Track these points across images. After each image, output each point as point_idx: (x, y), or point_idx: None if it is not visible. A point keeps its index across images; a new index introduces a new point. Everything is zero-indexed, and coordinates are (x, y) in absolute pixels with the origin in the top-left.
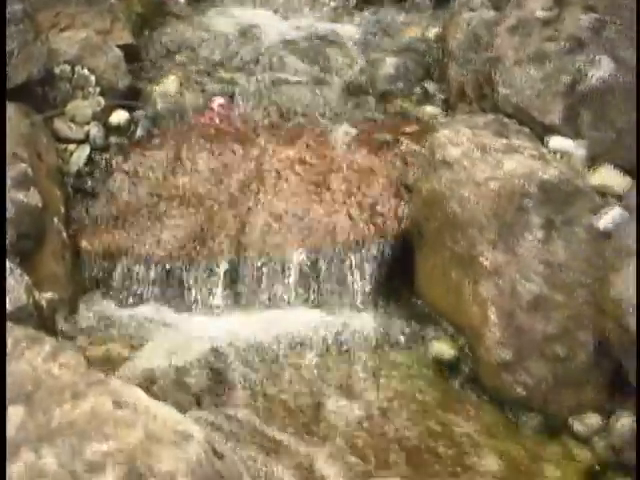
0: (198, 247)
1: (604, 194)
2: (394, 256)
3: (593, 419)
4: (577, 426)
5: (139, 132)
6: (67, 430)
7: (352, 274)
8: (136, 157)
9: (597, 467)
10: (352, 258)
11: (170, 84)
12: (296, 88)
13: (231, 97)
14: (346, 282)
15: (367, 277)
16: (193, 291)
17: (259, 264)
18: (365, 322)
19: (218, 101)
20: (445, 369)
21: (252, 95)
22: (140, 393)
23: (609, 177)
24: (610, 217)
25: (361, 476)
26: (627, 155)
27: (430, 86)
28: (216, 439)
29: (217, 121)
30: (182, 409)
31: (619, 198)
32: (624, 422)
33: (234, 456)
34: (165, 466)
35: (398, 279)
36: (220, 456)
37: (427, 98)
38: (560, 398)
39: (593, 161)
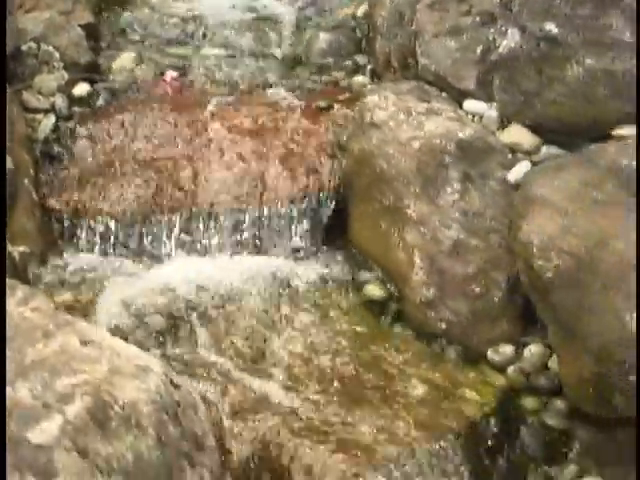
0: (155, 203)
1: (513, 150)
2: (331, 208)
3: (507, 349)
4: (493, 355)
5: (100, 102)
6: (39, 366)
7: (293, 224)
8: (97, 124)
9: (510, 390)
10: (293, 210)
11: (126, 60)
12: (240, 62)
13: (182, 70)
14: (288, 232)
15: (307, 227)
16: (151, 243)
17: (210, 217)
18: (305, 268)
19: (170, 74)
20: (376, 308)
21: (200, 68)
22: (104, 333)
23: (518, 135)
24: (519, 171)
25: (303, 400)
26: (533, 115)
27: (360, 59)
28: (173, 372)
29: (169, 91)
30: (143, 347)
31: (527, 154)
32: (533, 351)
33: (189, 387)
34: (127, 396)
35: (335, 229)
36: (177, 386)
37: (357, 69)
38: (478, 331)
39: (504, 121)
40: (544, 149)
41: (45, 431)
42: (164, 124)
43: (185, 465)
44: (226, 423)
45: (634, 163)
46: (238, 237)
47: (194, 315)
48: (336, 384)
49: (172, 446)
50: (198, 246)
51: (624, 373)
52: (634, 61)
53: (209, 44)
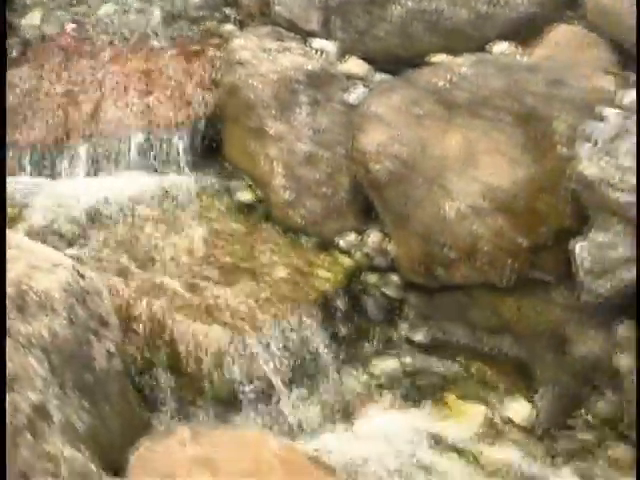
0: (63, 133)
1: (351, 78)
2: (208, 132)
3: (352, 237)
4: (341, 242)
5: (14, 54)
6: None
7: (177, 147)
8: (12, 71)
9: (356, 269)
10: (176, 135)
11: (34, 17)
12: (128, 17)
13: (81, 24)
14: (173, 153)
15: (189, 148)
16: (62, 166)
17: (109, 143)
18: (189, 181)
19: (70, 27)
20: (247, 210)
21: (97, 22)
22: (24, 238)
23: (354, 66)
24: (356, 94)
25: (189, 285)
26: (365, 49)
27: (228, 11)
28: (81, 267)
29: (71, 42)
30: (56, 249)
31: (362, 80)
32: (373, 237)
33: (95, 278)
34: (43, 286)
35: (211, 148)
36: (84, 277)
37: (226, 19)
38: (328, 224)
39: (342, 55)
40: (375, 76)
41: None
42: (68, 69)
43: (92, 339)
44: (127, 307)
45: (446, 83)
46: (134, 158)
47: (99, 222)
48: (216, 271)
49: (81, 325)
50: (102, 166)
51: (443, 251)
52: (444, 1)
53: (104, 3)
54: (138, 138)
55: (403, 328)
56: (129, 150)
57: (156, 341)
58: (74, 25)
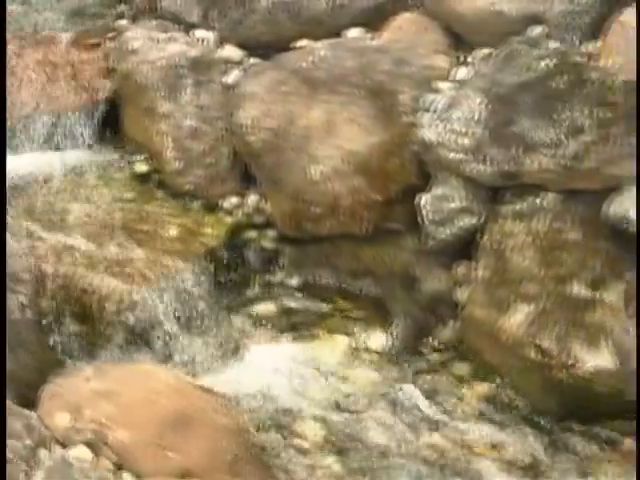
0: None
1: (228, 62)
2: (108, 114)
3: (234, 199)
4: (225, 204)
5: None
6: None
7: (81, 127)
8: None
9: (238, 227)
10: (80, 117)
11: None
12: (38, 13)
13: None
14: (77, 133)
15: (91, 128)
16: None
17: (20, 125)
18: (92, 157)
19: None
20: (144, 179)
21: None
22: None
23: (230, 52)
24: (234, 76)
25: (94, 245)
26: (240, 37)
27: (122, 7)
28: None
29: None
30: None
31: (238, 64)
32: (252, 199)
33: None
34: None
35: (112, 128)
36: None
37: (120, 15)
38: (213, 189)
39: (220, 43)
40: (249, 60)
41: None
42: None
43: (8, 294)
44: (39, 265)
45: (308, 65)
46: (43, 139)
47: (13, 194)
48: (117, 232)
49: None
50: (13, 146)
51: (310, 208)
52: None
53: (12, 2)
54: (46, 121)
55: (279, 275)
56: (39, 129)
57: (64, 294)
58: None
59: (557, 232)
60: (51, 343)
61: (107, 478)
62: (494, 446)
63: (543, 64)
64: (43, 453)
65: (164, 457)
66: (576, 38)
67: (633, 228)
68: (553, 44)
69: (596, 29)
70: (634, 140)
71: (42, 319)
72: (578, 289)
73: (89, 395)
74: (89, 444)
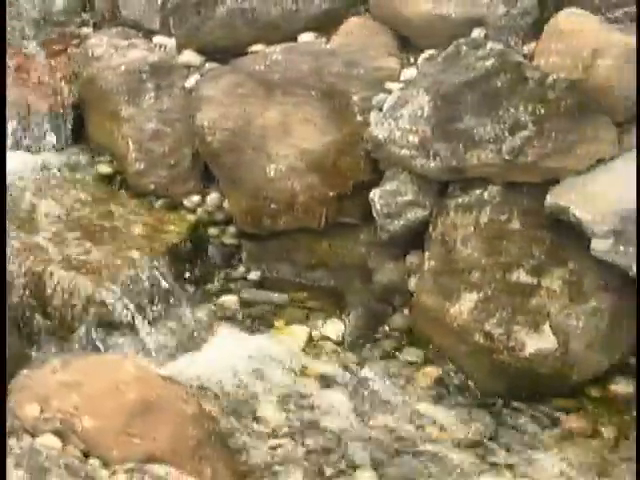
0: None
1: (188, 67)
2: (73, 117)
3: (195, 198)
4: (187, 203)
5: None
6: None
7: (48, 130)
8: None
9: (199, 224)
10: (47, 120)
11: None
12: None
13: None
14: (44, 135)
15: (57, 131)
16: None
17: None
18: (58, 158)
19: None
20: (108, 180)
21: None
22: None
23: (190, 57)
24: (193, 80)
25: (60, 244)
26: (198, 43)
27: (85, 15)
28: None
29: None
30: None
31: (197, 68)
32: (212, 197)
33: None
34: None
35: (76, 131)
36: None
37: (84, 23)
38: (175, 188)
39: (180, 48)
40: (207, 65)
41: None
42: None
43: None
44: (8, 263)
45: (263, 68)
46: (11, 141)
47: None
48: (82, 231)
49: None
50: None
51: (268, 205)
52: (259, 0)
53: None
54: (14, 124)
55: (240, 269)
56: (6, 134)
57: (33, 290)
58: None
59: (501, 223)
60: (23, 338)
61: (75, 465)
62: (444, 427)
63: (484, 64)
64: (12, 442)
65: (130, 444)
66: (517, 39)
67: (572, 218)
68: (494, 45)
69: (537, 30)
70: (570, 136)
71: (11, 314)
72: (521, 276)
73: (56, 386)
74: (57, 433)
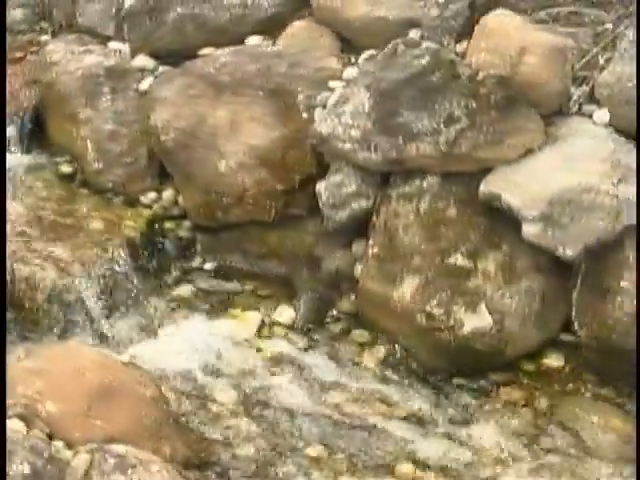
0: None
1: (142, 70)
2: (34, 121)
3: (151, 194)
4: (143, 199)
5: None
6: None
7: (10, 133)
8: None
9: (156, 219)
10: (8, 124)
11: None
12: None
13: None
14: (8, 137)
15: (19, 134)
16: None
17: None
18: (20, 160)
19: None
20: (68, 179)
21: None
22: None
23: (143, 61)
24: (147, 83)
25: (25, 240)
26: (151, 48)
27: (44, 24)
28: None
29: None
30: None
31: (150, 72)
32: (168, 193)
33: None
34: None
35: (38, 133)
36: None
37: (42, 31)
38: (133, 185)
39: (134, 53)
40: (160, 68)
41: None
42: None
43: None
44: None
45: (213, 70)
46: None
47: None
48: (45, 227)
49: None
50: None
51: (220, 199)
52: (208, 6)
53: None
54: None
55: (196, 260)
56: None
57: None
58: None
59: (439, 210)
60: None
61: (39, 446)
62: (390, 402)
63: (420, 62)
64: None
65: (92, 426)
66: (450, 39)
67: (504, 205)
68: (429, 44)
69: (468, 31)
70: (500, 128)
71: None
72: (459, 260)
73: (21, 373)
74: (22, 417)
